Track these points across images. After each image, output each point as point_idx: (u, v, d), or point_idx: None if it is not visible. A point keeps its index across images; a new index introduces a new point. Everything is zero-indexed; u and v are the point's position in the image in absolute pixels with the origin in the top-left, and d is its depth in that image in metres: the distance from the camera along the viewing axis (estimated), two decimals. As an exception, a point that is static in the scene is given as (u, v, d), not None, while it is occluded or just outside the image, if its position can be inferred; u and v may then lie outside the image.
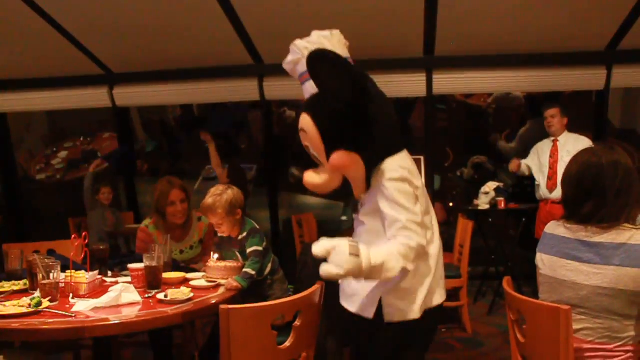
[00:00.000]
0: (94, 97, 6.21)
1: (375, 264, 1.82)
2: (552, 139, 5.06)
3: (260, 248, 2.96)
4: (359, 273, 1.79)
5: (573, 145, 4.76)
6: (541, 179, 5.08)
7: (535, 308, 1.87)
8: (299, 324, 1.90)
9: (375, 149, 1.99)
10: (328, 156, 1.97)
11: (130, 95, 6.18)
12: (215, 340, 3.33)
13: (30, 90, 6.30)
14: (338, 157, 1.95)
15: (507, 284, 2.07)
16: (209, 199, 2.97)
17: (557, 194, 4.78)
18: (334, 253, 1.79)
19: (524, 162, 5.26)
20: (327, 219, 6.93)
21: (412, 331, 2.03)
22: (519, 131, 6.83)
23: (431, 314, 2.05)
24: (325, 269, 1.78)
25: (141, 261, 3.09)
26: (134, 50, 5.60)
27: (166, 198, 3.37)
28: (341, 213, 7.03)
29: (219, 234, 3.09)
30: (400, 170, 1.97)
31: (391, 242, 1.92)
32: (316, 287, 1.98)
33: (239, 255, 3.02)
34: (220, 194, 2.97)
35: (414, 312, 1.99)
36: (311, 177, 2.06)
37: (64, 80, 6.15)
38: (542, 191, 5.07)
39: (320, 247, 1.83)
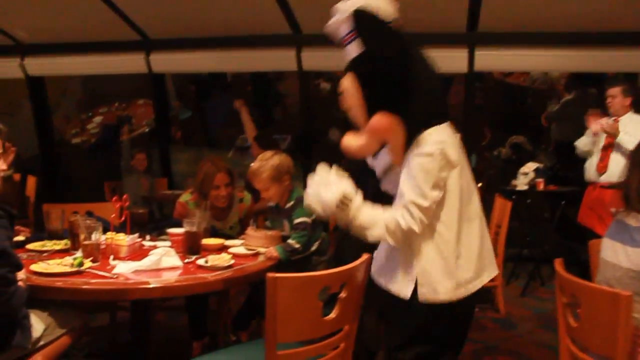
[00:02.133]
0: (130, 63, 6.21)
1: (359, 223, 1.89)
2: (614, 117, 4.56)
3: (308, 220, 2.90)
4: (340, 221, 1.91)
5: (634, 127, 4.38)
6: (593, 160, 4.70)
7: (592, 292, 1.79)
8: (344, 295, 1.86)
9: (417, 116, 1.90)
10: (368, 118, 1.90)
11: (166, 62, 6.17)
12: (248, 309, 3.35)
13: (67, 54, 6.33)
14: (378, 119, 1.88)
15: (559, 265, 1.99)
16: (255, 164, 2.96)
17: (607, 177, 4.50)
18: (324, 191, 1.89)
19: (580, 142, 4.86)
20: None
21: (447, 313, 1.94)
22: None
23: (469, 298, 1.96)
24: (310, 201, 1.94)
25: (177, 226, 3.10)
26: (171, 16, 5.57)
27: (211, 181, 3.24)
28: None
29: (268, 203, 3.06)
30: (435, 145, 1.87)
31: (388, 211, 1.90)
32: (363, 259, 1.93)
33: (287, 224, 2.98)
34: (267, 159, 2.94)
35: (449, 294, 1.91)
36: (349, 140, 2.00)
37: (101, 45, 6.15)
38: (591, 173, 4.71)
39: (315, 184, 1.95)
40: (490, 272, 2.04)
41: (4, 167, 3.22)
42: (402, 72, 1.88)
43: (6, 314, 1.88)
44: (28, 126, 7.06)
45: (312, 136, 6.11)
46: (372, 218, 1.91)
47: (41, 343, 2.08)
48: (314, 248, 3.00)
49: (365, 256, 1.97)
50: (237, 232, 3.39)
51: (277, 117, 8.33)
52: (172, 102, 7.93)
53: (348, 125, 2.05)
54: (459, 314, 1.99)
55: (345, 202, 1.87)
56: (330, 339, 1.90)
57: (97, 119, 8.22)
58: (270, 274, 1.65)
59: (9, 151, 3.28)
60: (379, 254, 2.09)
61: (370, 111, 1.90)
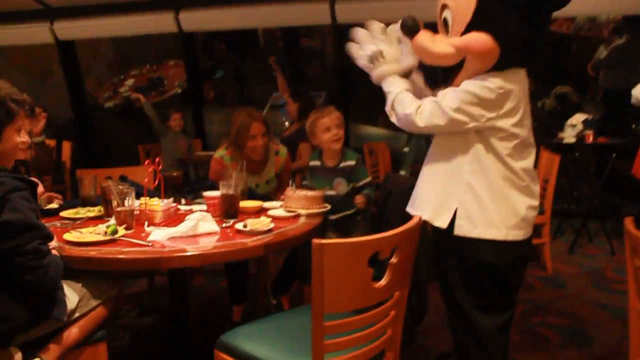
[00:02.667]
0: (160, 22, 6.10)
1: (386, 86, 2.03)
2: None
3: (371, 180, 2.96)
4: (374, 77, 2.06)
5: None
6: None
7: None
8: (395, 261, 1.71)
9: (513, 52, 1.82)
10: (467, 31, 1.81)
11: (196, 20, 6.03)
12: (287, 271, 3.26)
13: (96, 16, 6.23)
14: (484, 40, 1.78)
15: (630, 224, 1.81)
16: (317, 113, 2.98)
17: None
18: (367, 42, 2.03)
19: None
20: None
21: (484, 254, 1.90)
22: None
23: (509, 247, 1.91)
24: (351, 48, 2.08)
25: (213, 188, 2.99)
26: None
27: (247, 131, 3.14)
28: (404, 145, 6.78)
29: (319, 152, 3.04)
30: (500, 82, 1.80)
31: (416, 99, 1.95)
32: (415, 221, 1.78)
33: (344, 182, 2.94)
34: (329, 108, 2.98)
35: (484, 232, 1.89)
36: (427, 41, 1.89)
37: (130, 5, 6.03)
38: None
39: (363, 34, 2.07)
40: (524, 233, 1.94)
41: (37, 130, 3.18)
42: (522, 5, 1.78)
43: (45, 286, 1.79)
44: (61, 92, 7.03)
45: (348, 93, 5.92)
46: (399, 86, 1.98)
47: (76, 315, 2.00)
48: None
49: (415, 218, 1.82)
50: (275, 188, 3.32)
51: (311, 74, 8.12)
52: (203, 61, 7.79)
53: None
54: (496, 260, 1.92)
55: (378, 59, 1.99)
56: (380, 307, 1.77)
57: (129, 82, 8.13)
58: (316, 241, 1.52)
59: (40, 117, 3.22)
60: (417, 189, 2.10)
61: (475, 25, 1.79)
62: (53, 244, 1.91)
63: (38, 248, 1.75)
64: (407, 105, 1.94)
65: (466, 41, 1.80)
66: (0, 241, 1.71)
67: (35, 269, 1.74)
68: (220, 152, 3.31)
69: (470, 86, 1.83)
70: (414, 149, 5.96)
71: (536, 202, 1.95)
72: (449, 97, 1.85)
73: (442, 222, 1.94)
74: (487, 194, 1.89)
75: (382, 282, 1.71)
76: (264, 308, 3.35)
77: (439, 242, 2.02)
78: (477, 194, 1.89)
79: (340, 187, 2.97)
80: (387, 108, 2.03)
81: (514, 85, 1.84)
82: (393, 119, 2.02)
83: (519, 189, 1.90)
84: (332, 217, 2.91)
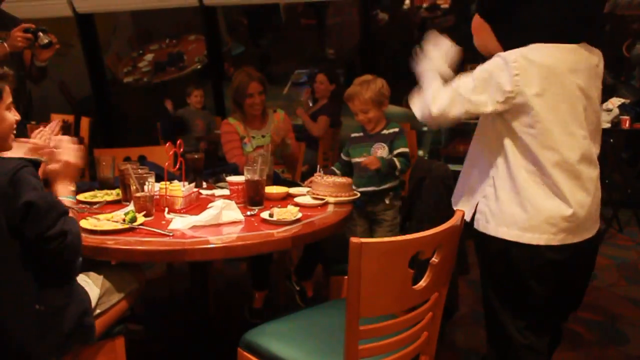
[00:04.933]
0: (180, -5, 5.95)
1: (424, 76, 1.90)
2: None
3: (408, 153, 2.85)
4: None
5: None
6: None
7: None
8: (437, 260, 1.57)
9: (514, 29, 1.77)
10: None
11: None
12: (309, 257, 3.15)
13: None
14: (473, 20, 1.88)
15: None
16: (354, 87, 2.88)
17: None
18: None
19: None
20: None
21: (501, 250, 1.81)
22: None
23: (520, 247, 1.77)
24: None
25: (234, 172, 2.87)
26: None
27: (245, 90, 3.39)
28: (423, 124, 6.63)
29: (360, 123, 2.95)
30: (516, 55, 1.68)
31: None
32: (459, 217, 1.63)
33: (380, 149, 2.87)
34: (368, 81, 2.86)
35: (495, 230, 1.81)
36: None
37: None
38: None
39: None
40: (541, 235, 1.76)
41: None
42: None
43: (68, 260, 1.70)
44: (79, 67, 6.93)
45: (371, 71, 5.75)
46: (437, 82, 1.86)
47: (98, 311, 1.88)
48: (396, 183, 2.91)
49: (459, 213, 1.67)
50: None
51: (330, 51, 7.94)
52: (224, 37, 7.63)
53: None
54: (512, 259, 1.81)
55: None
56: (418, 309, 1.64)
57: (149, 57, 8.00)
58: (354, 239, 1.38)
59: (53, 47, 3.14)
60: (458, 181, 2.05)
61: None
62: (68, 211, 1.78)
63: (62, 229, 1.63)
64: (423, 97, 1.87)
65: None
66: (27, 227, 1.59)
67: (61, 252, 1.64)
68: (232, 120, 3.51)
69: (483, 64, 1.76)
70: (433, 129, 5.81)
71: (565, 205, 1.73)
72: (463, 80, 1.79)
73: (467, 216, 1.88)
74: (505, 189, 1.79)
75: (422, 283, 1.57)
76: (286, 294, 3.25)
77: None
78: (496, 188, 1.81)
79: (380, 151, 2.87)
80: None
81: (538, 60, 1.68)
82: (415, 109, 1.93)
83: (543, 187, 1.74)
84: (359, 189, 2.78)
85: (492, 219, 1.82)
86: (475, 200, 1.89)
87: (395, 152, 2.84)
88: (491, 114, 1.77)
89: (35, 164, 1.72)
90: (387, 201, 2.88)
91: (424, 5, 6.76)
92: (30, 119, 2.76)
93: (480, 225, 1.86)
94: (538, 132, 1.70)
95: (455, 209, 1.95)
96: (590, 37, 1.75)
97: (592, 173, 1.77)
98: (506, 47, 1.77)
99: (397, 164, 2.77)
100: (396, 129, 2.89)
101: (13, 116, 1.82)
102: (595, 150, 1.83)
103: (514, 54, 1.69)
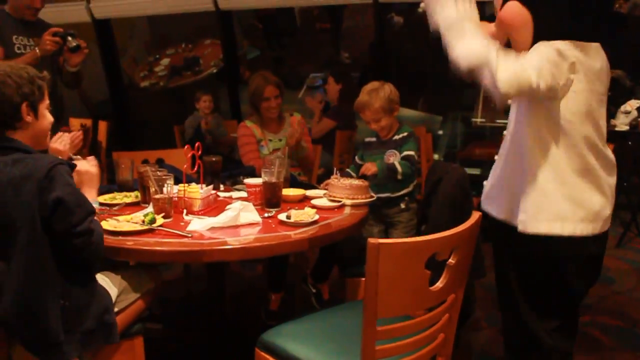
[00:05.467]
0: (197, 0, 6.01)
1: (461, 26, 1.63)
2: None
3: (415, 156, 2.85)
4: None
5: None
6: None
7: None
8: (453, 262, 1.58)
9: (552, 21, 1.69)
10: (503, 5, 1.71)
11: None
12: (325, 258, 3.16)
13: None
14: (508, 8, 1.69)
15: None
16: (363, 96, 2.89)
17: None
18: None
19: None
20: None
21: (543, 250, 1.78)
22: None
23: (570, 242, 1.74)
24: None
25: (251, 174, 2.90)
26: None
27: (261, 94, 3.41)
28: (439, 128, 6.62)
29: (375, 132, 2.98)
30: (569, 46, 1.63)
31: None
32: (475, 218, 1.64)
33: (392, 155, 2.88)
34: (377, 89, 2.88)
35: (541, 227, 1.75)
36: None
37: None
38: None
39: None
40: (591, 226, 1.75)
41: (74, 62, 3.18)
42: None
43: (94, 259, 1.81)
44: (97, 71, 7.00)
45: (386, 75, 5.76)
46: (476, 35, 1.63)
47: (115, 309, 1.92)
48: (410, 189, 2.93)
49: (476, 215, 1.68)
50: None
51: (344, 55, 7.96)
52: (239, 41, 7.67)
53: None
54: (560, 256, 1.79)
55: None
56: (435, 310, 1.65)
57: (165, 61, 8.07)
58: (372, 240, 1.39)
59: (82, 52, 3.20)
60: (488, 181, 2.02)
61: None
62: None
63: (89, 227, 1.73)
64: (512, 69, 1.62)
65: (500, 15, 1.70)
66: (56, 221, 1.67)
67: (87, 248, 1.73)
68: (249, 122, 3.54)
69: (542, 46, 1.66)
70: (448, 131, 5.80)
71: (601, 195, 1.76)
72: (531, 57, 1.63)
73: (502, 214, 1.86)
74: (552, 184, 1.75)
75: (439, 284, 1.58)
76: (302, 297, 3.26)
77: (500, 236, 1.92)
78: (540, 184, 1.76)
79: (393, 158, 2.89)
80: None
81: (585, 57, 1.66)
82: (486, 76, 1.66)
83: (586, 180, 1.74)
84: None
85: (541, 216, 1.76)
86: (514, 199, 1.83)
87: (401, 155, 2.86)
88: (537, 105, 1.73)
89: (70, 165, 1.80)
90: (402, 205, 2.91)
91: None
92: (61, 124, 2.82)
93: (529, 226, 1.78)
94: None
95: (485, 209, 1.96)
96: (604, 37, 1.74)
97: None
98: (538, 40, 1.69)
99: (398, 167, 2.78)
100: (405, 133, 2.91)
101: (50, 116, 1.91)
102: None
103: (565, 46, 1.64)
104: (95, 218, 1.82)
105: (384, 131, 2.92)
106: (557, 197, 1.74)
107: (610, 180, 1.78)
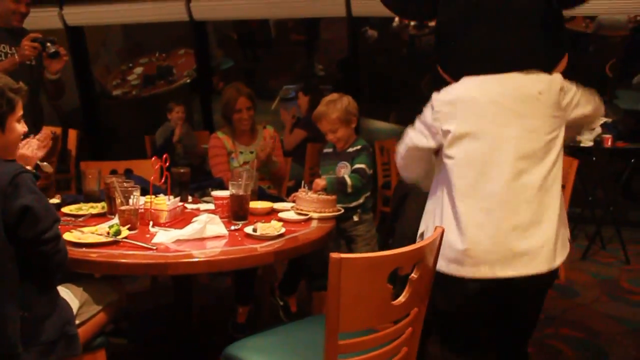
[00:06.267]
0: (171, 10, 6.04)
1: None
2: None
3: (368, 170, 2.85)
4: None
5: None
6: None
7: None
8: (416, 276, 1.60)
9: (453, 67, 1.87)
10: None
11: (207, 9, 5.97)
12: (293, 271, 3.16)
13: (106, 3, 6.14)
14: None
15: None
16: (321, 107, 2.91)
17: None
18: None
19: None
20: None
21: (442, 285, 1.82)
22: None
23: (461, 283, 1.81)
24: None
25: (220, 186, 2.90)
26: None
27: (233, 105, 3.40)
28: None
29: (331, 142, 2.99)
30: (438, 94, 1.82)
31: None
32: (438, 233, 1.66)
33: (344, 168, 2.90)
34: (335, 101, 2.89)
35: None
36: None
37: (141, -8, 5.93)
38: None
39: None
40: (498, 270, 1.76)
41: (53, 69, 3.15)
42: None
43: (62, 270, 1.83)
44: (67, 78, 6.92)
45: (357, 87, 5.80)
46: None
47: (77, 322, 1.90)
48: (361, 201, 2.93)
49: (438, 230, 1.70)
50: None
51: (318, 67, 8.00)
52: (214, 51, 7.67)
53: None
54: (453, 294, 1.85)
55: None
56: (398, 324, 1.66)
57: (138, 70, 8.02)
58: (334, 255, 1.40)
59: (62, 59, 3.18)
60: None
61: None
62: None
63: (57, 233, 1.74)
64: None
65: None
66: (24, 228, 1.67)
67: (55, 255, 1.73)
68: (221, 134, 3.52)
69: None
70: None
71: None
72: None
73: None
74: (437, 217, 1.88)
75: (402, 298, 1.60)
76: (270, 309, 3.26)
77: None
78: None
79: (343, 170, 2.90)
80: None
81: (455, 95, 1.82)
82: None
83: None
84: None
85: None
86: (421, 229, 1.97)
87: (352, 168, 2.88)
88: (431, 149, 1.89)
89: (35, 175, 1.79)
90: (355, 218, 2.93)
91: (412, 22, 6.84)
92: (39, 131, 2.78)
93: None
94: (476, 165, 1.76)
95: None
96: (528, 64, 1.76)
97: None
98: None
99: (348, 180, 2.79)
100: (359, 146, 2.93)
101: (21, 128, 1.88)
102: (531, 176, 1.76)
103: (437, 93, 1.80)
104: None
105: (341, 142, 2.94)
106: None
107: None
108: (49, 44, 3.10)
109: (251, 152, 3.47)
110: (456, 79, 1.82)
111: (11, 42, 3.19)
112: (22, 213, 1.64)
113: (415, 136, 1.89)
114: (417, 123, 1.89)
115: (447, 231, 1.74)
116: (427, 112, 1.84)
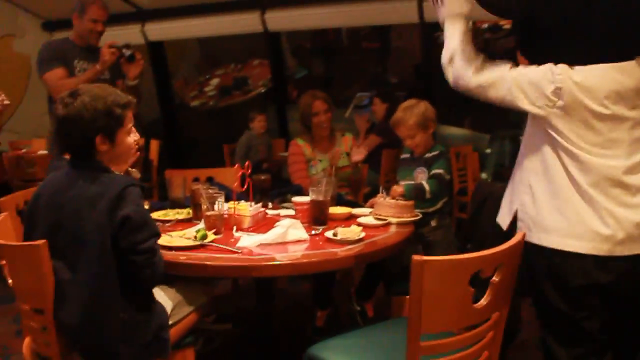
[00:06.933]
0: (246, 22, 6.16)
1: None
2: None
3: (446, 175, 2.83)
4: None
5: None
6: None
7: None
8: (497, 279, 1.60)
9: (537, 52, 1.76)
10: None
11: (281, 20, 6.05)
12: (370, 277, 3.18)
13: (183, 17, 6.37)
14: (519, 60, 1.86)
15: None
16: (399, 113, 2.91)
17: None
18: None
19: None
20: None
21: (537, 260, 1.77)
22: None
23: (562, 257, 1.71)
24: None
25: (299, 192, 2.96)
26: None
27: (310, 109, 3.46)
28: (486, 146, 6.55)
29: (409, 148, 2.99)
30: (562, 69, 1.67)
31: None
32: (519, 238, 1.66)
33: (421, 174, 2.89)
34: (412, 106, 2.89)
35: (538, 237, 1.75)
36: None
37: (216, 6, 6.11)
38: None
39: None
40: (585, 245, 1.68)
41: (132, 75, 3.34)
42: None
43: (153, 284, 1.90)
44: (149, 91, 7.22)
45: (431, 93, 5.77)
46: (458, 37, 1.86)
47: (170, 322, 2.00)
48: (438, 206, 2.91)
49: (520, 234, 1.70)
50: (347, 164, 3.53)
51: (393, 73, 7.99)
52: (287, 61, 7.81)
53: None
54: (554, 271, 1.75)
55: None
56: (478, 328, 1.67)
57: (214, 81, 8.26)
58: (416, 257, 1.43)
59: (138, 63, 3.37)
60: None
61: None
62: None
63: (153, 247, 1.82)
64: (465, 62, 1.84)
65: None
66: (122, 237, 1.76)
67: (148, 267, 1.80)
68: (300, 141, 3.59)
69: (529, 67, 1.77)
70: (496, 150, 5.73)
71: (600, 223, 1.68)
72: (515, 70, 1.78)
73: (504, 223, 1.88)
74: (544, 194, 1.75)
75: (483, 302, 1.60)
76: (347, 314, 3.29)
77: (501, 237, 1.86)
78: (534, 194, 1.78)
79: (421, 176, 2.89)
80: (444, 61, 1.90)
81: (579, 80, 1.67)
82: (448, 74, 1.90)
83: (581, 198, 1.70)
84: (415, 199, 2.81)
85: (533, 227, 1.76)
86: (512, 206, 1.86)
87: (430, 174, 2.86)
88: (535, 119, 1.76)
89: (142, 188, 1.90)
90: (433, 223, 2.90)
91: (485, 26, 6.74)
92: None
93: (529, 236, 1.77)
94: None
95: (497, 221, 1.97)
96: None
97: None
98: None
99: (426, 186, 2.77)
100: (436, 152, 2.91)
101: (132, 138, 1.98)
102: None
103: (560, 68, 1.67)
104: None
105: (419, 148, 2.93)
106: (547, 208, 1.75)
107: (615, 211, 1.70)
108: (124, 50, 3.31)
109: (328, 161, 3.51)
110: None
111: (90, 59, 3.39)
112: (122, 222, 1.75)
113: (518, 95, 1.74)
114: (526, 83, 1.72)
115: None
116: (544, 81, 1.69)
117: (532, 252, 1.77)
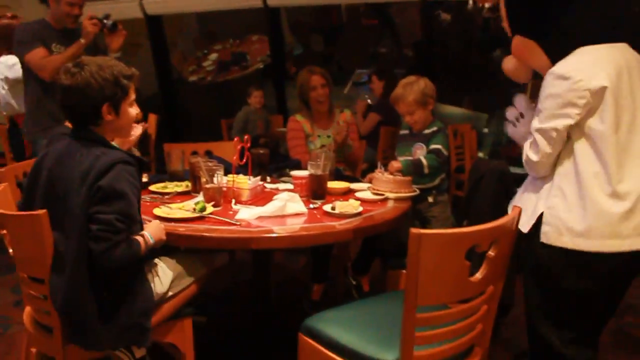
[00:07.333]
0: (246, -3, 6.10)
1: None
2: None
3: (444, 151, 2.84)
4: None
5: None
6: None
7: None
8: (493, 254, 1.63)
9: (559, 38, 1.74)
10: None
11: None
12: (366, 251, 3.22)
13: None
14: (514, 45, 1.84)
15: None
16: (398, 90, 2.91)
17: None
18: None
19: None
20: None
21: (567, 263, 1.71)
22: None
23: (599, 258, 1.67)
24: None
25: (297, 167, 2.98)
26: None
27: (307, 84, 3.48)
28: (484, 125, 6.57)
29: (407, 124, 3.00)
30: (569, 66, 1.65)
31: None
32: (516, 213, 1.68)
33: (420, 149, 2.90)
34: (412, 83, 2.90)
35: (570, 241, 1.69)
36: (505, 61, 1.94)
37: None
38: None
39: None
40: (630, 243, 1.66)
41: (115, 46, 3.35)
42: None
43: (107, 264, 1.76)
44: (147, 66, 7.19)
45: (430, 71, 5.76)
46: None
47: (170, 294, 2.03)
48: (435, 182, 2.94)
49: (517, 209, 1.72)
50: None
51: (391, 51, 7.95)
52: (286, 37, 7.76)
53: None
54: (585, 271, 1.72)
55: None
56: (473, 301, 1.70)
57: (213, 56, 8.21)
58: (414, 230, 1.45)
59: (120, 33, 3.38)
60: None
61: (512, 34, 1.84)
62: (148, 238, 1.88)
63: (112, 222, 1.73)
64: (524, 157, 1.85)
65: (512, 50, 1.85)
66: (89, 205, 1.74)
67: (101, 241, 1.72)
68: (299, 117, 3.60)
69: (545, 90, 1.71)
70: (494, 130, 5.75)
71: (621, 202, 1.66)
72: (536, 119, 1.76)
73: (525, 227, 1.78)
74: (574, 197, 1.69)
75: (478, 275, 1.63)
76: (343, 288, 3.33)
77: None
78: (566, 197, 1.71)
79: (419, 151, 2.91)
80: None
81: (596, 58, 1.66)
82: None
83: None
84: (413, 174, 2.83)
85: (565, 231, 1.70)
86: (536, 210, 1.78)
87: (429, 149, 2.87)
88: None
89: (141, 164, 1.90)
90: (430, 199, 2.93)
91: (487, 5, 6.71)
92: None
93: (552, 239, 1.72)
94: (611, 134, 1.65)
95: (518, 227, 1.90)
96: (628, 37, 1.72)
97: None
98: (555, 58, 1.72)
99: (424, 160, 2.79)
100: (435, 128, 2.92)
101: (134, 111, 1.99)
102: None
103: (568, 66, 1.66)
104: (139, 240, 1.84)
105: (418, 124, 2.94)
106: (578, 210, 1.69)
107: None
108: (105, 20, 3.31)
109: (328, 137, 3.53)
110: (561, 54, 1.72)
111: (66, 43, 3.38)
112: (96, 192, 1.74)
113: (561, 122, 1.69)
114: (547, 111, 1.71)
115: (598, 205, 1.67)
116: (559, 87, 1.66)
117: (559, 255, 1.73)
